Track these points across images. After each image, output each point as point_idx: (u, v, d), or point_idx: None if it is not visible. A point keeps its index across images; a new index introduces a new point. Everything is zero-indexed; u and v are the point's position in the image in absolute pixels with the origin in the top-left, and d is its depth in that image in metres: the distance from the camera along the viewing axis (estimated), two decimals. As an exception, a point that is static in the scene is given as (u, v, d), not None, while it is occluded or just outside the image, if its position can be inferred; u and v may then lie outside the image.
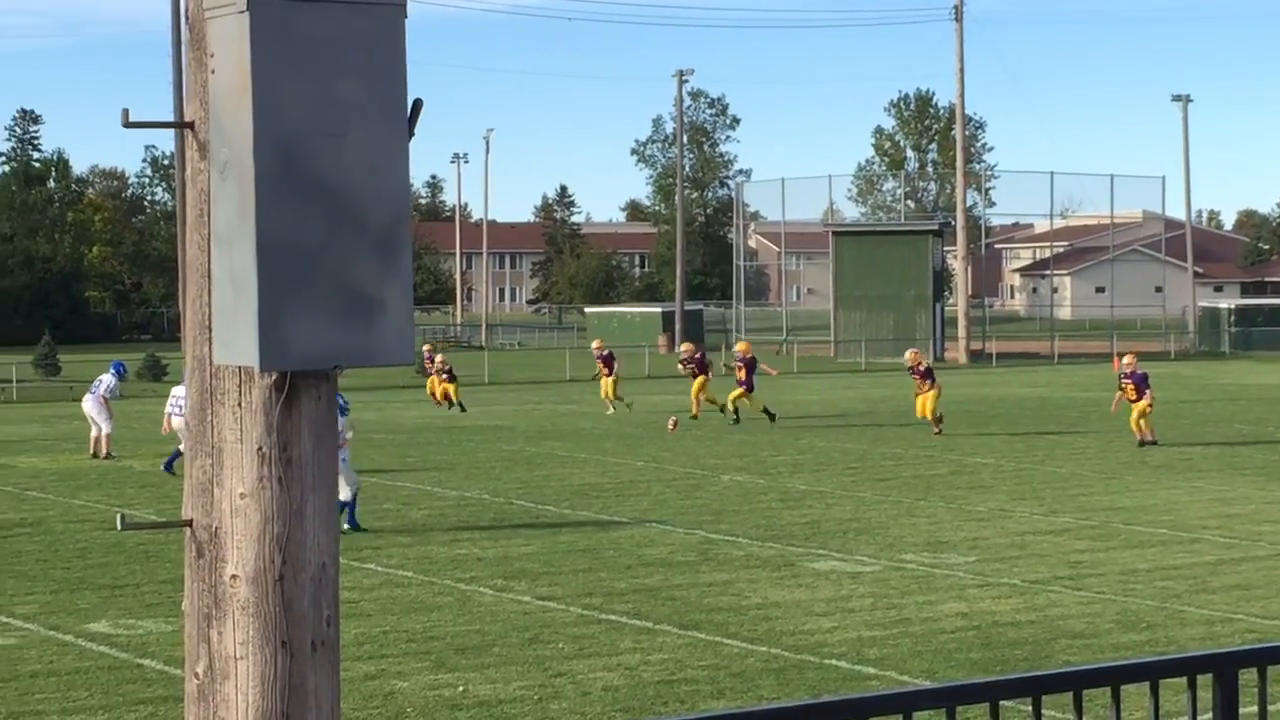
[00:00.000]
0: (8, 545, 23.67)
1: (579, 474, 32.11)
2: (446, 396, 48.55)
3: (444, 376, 48.41)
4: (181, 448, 31.48)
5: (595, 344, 52.19)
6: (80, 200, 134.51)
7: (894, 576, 20.82)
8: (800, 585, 20.25)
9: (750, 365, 42.79)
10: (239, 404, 5.02)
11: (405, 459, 35.03)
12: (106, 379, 36.60)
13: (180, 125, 5.15)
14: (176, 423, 32.38)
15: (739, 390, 42.54)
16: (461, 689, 15.11)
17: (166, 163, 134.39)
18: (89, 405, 36.30)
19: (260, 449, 4.98)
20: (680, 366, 47.29)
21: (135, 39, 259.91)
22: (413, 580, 20.60)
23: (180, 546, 18.75)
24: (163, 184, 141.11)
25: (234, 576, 5.00)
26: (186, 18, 5.11)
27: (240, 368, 4.99)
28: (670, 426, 41.36)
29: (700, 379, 44.55)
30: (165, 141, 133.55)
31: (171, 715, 14.18)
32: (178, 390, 33.05)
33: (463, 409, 47.84)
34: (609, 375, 48.06)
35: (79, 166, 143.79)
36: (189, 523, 5.10)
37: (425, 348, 54.15)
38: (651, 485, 30.25)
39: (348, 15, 4.91)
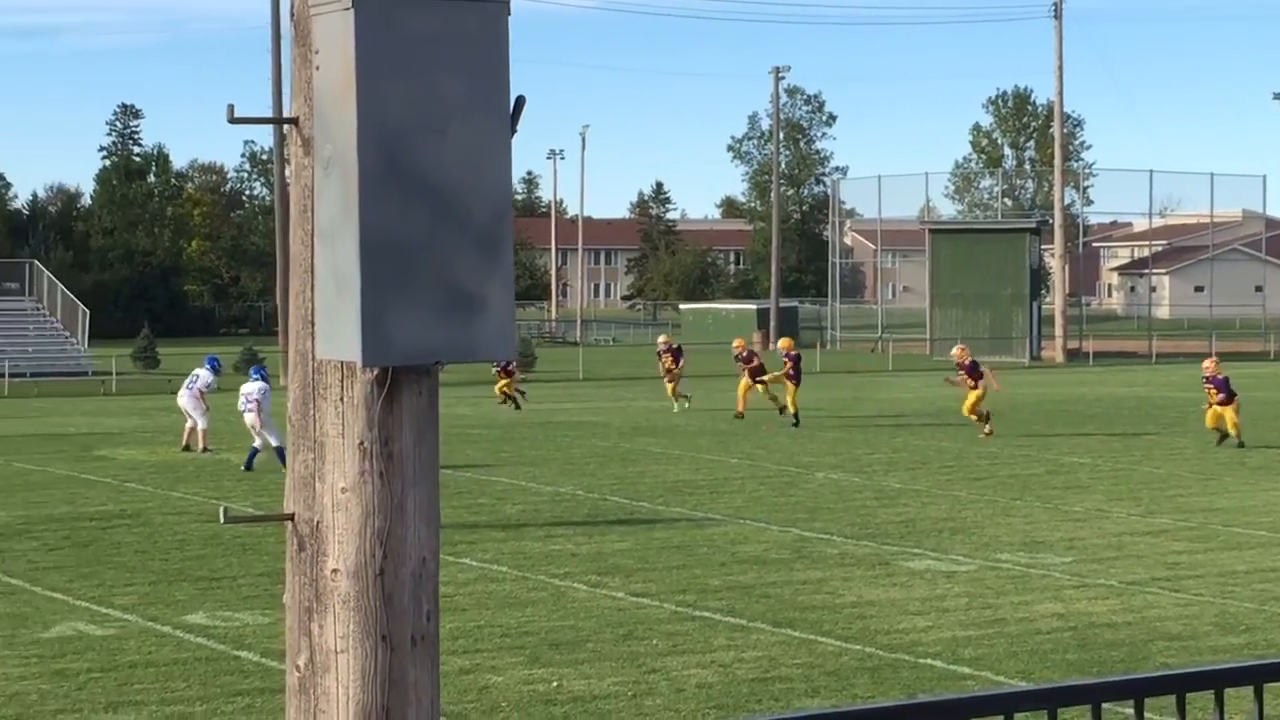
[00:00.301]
0: (107, 537, 23.91)
1: (673, 470, 32.11)
2: (506, 393, 48.23)
3: (502, 372, 48.23)
4: (257, 444, 31.87)
5: (662, 339, 52.02)
6: (180, 194, 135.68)
7: (989, 576, 20.72)
8: (895, 584, 20.18)
9: (796, 360, 42.69)
10: (341, 399, 5.04)
11: (500, 454, 35.13)
12: (202, 374, 36.88)
13: (284, 121, 5.18)
14: (249, 419, 32.74)
15: (793, 389, 42.24)
16: (556, 684, 15.14)
17: (265, 158, 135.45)
18: (185, 400, 36.59)
19: (362, 443, 5.00)
20: (736, 364, 46.17)
21: (235, 35, 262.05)
22: (507, 575, 20.66)
23: (278, 539, 18.83)
24: (261, 179, 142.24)
25: (335, 570, 5.02)
26: (291, 14, 5.14)
27: (342, 363, 5.01)
28: (766, 426, 41.28)
29: (749, 380, 44.18)
30: (264, 137, 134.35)
31: (269, 707, 14.28)
32: (247, 388, 33.32)
33: (518, 398, 47.76)
34: (675, 369, 47.78)
35: (178, 161, 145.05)
36: (290, 516, 5.13)
37: None
38: (746, 482, 30.22)
39: (451, 12, 4.92)
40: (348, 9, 4.83)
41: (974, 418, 39.25)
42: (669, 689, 14.98)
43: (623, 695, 14.75)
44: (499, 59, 5.01)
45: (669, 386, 48.16)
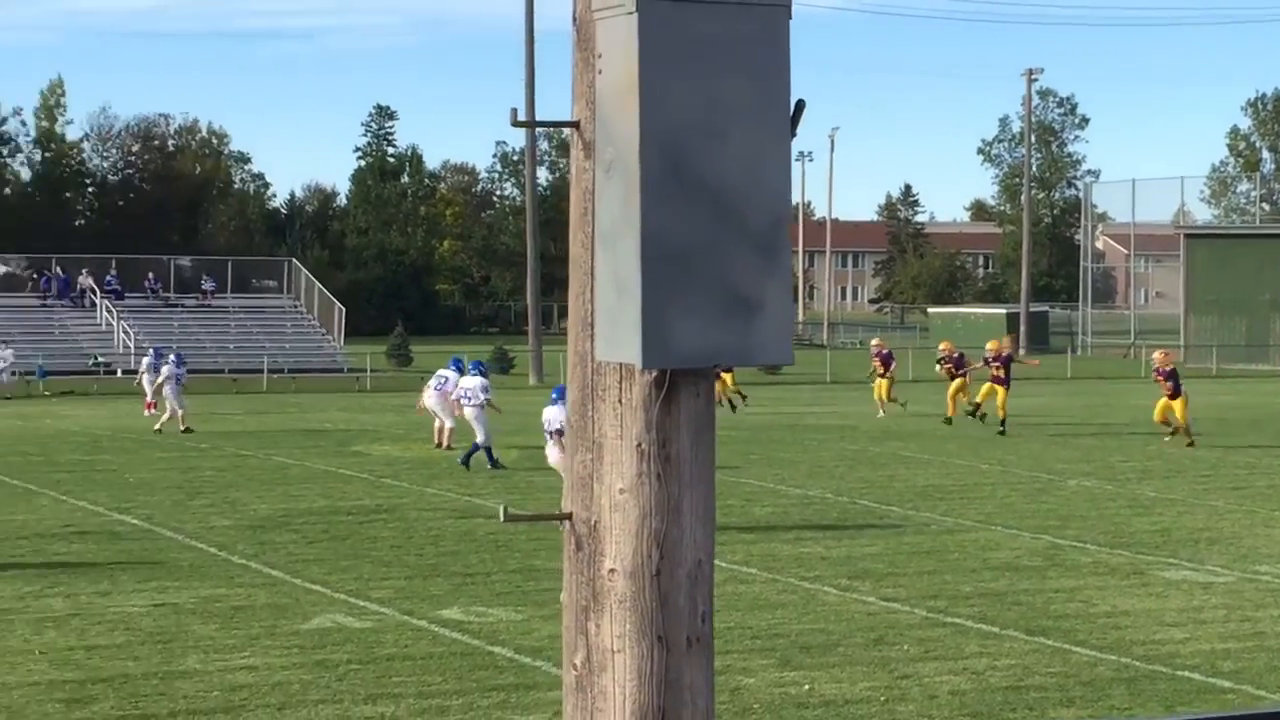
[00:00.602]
0: (365, 531, 24.32)
1: (922, 475, 31.90)
2: (724, 394, 47.95)
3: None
4: (480, 440, 32.13)
5: (875, 341, 51.64)
6: (432, 195, 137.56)
7: (1248, 588, 20.30)
8: (1150, 594, 19.85)
9: (1007, 362, 42.22)
10: (619, 400, 5.08)
11: (749, 456, 35.14)
12: (451, 376, 37.13)
13: (567, 125, 5.23)
14: (468, 414, 33.01)
15: (1003, 391, 41.61)
16: (808, 687, 15.11)
17: (516, 159, 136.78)
18: (432, 401, 36.73)
19: (639, 445, 5.04)
20: (937, 367, 45.91)
21: (489, 37, 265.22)
22: (757, 577, 20.65)
23: (529, 537, 19.02)
24: (512, 179, 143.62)
25: (612, 570, 5.06)
26: (574, 19, 5.20)
27: (621, 364, 5.05)
28: (995, 421, 40.84)
29: (959, 380, 43.83)
30: (515, 138, 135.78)
31: (523, 703, 14.43)
32: (467, 383, 33.82)
33: (735, 400, 47.54)
34: (884, 375, 47.41)
35: (431, 161, 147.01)
36: (568, 516, 5.18)
37: None
38: (996, 488, 29.92)
39: (733, 16, 4.94)
40: (631, 13, 4.87)
41: (1179, 426, 38.40)
42: (921, 695, 14.88)
43: (875, 700, 14.68)
44: (780, 62, 5.01)
45: (879, 388, 47.54)
